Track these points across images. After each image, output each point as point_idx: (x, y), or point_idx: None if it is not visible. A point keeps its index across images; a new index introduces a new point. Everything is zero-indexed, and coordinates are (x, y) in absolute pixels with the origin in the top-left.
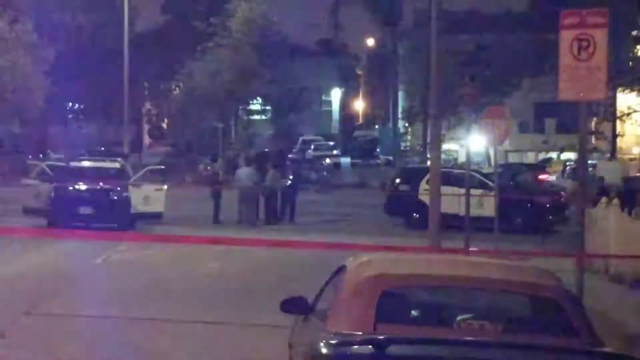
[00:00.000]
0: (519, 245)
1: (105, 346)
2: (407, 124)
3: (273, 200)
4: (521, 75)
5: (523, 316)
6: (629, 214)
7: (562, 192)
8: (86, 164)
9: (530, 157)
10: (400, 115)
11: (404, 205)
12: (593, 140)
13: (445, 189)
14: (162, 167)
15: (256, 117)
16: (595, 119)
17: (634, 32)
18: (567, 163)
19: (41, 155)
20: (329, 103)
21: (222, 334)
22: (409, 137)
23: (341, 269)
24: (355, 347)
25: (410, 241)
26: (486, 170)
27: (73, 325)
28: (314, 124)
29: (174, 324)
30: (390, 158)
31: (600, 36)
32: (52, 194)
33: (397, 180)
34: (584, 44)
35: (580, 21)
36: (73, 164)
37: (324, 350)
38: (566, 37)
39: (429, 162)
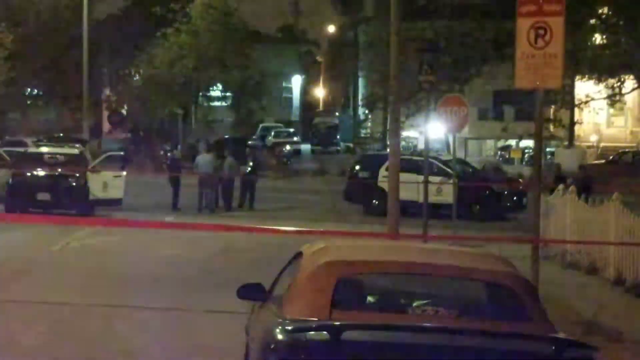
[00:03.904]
0: (476, 232)
1: (63, 333)
2: (367, 111)
3: (229, 188)
4: (480, 62)
5: (478, 302)
6: (586, 201)
7: (520, 180)
8: (44, 150)
9: (489, 145)
10: (360, 102)
11: (364, 192)
12: (551, 128)
13: (404, 176)
14: (122, 153)
15: (216, 103)
16: (553, 106)
17: (592, 21)
18: (526, 150)
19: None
20: (290, 90)
21: (180, 320)
22: (369, 124)
23: (297, 256)
24: (311, 333)
25: (369, 228)
26: (445, 157)
27: (30, 313)
28: (274, 111)
29: (132, 311)
30: (350, 145)
31: (557, 24)
32: (10, 180)
33: (357, 167)
34: (541, 32)
35: (537, 9)
36: (31, 150)
37: (279, 336)
38: (523, 24)
39: (388, 149)
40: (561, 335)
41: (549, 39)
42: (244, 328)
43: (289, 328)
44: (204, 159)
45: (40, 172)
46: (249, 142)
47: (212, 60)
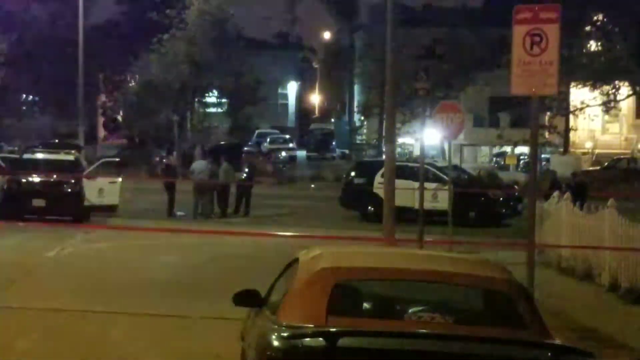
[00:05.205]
0: (472, 238)
1: (58, 339)
2: (362, 118)
3: (225, 194)
4: (476, 69)
5: (474, 308)
6: (581, 208)
7: (516, 186)
8: (40, 156)
9: (485, 151)
10: (356, 109)
11: (359, 198)
12: (546, 134)
13: (400, 183)
14: (117, 159)
15: (212, 109)
16: (549, 113)
17: (587, 28)
18: (521, 157)
19: None
20: (285, 96)
21: (175, 326)
22: (364, 131)
23: (294, 262)
24: (307, 339)
25: (365, 234)
26: (440, 163)
27: (25, 318)
28: (270, 117)
29: (127, 317)
30: (346, 151)
31: (553, 31)
32: (5, 187)
33: (353, 174)
34: (537, 39)
35: (533, 16)
36: (26, 156)
37: (275, 343)
38: (519, 32)
39: (384, 156)
40: (557, 341)
41: (544, 46)
42: (240, 334)
43: (285, 334)
44: (200, 165)
45: (36, 179)
46: (245, 149)
47: (207, 67)
